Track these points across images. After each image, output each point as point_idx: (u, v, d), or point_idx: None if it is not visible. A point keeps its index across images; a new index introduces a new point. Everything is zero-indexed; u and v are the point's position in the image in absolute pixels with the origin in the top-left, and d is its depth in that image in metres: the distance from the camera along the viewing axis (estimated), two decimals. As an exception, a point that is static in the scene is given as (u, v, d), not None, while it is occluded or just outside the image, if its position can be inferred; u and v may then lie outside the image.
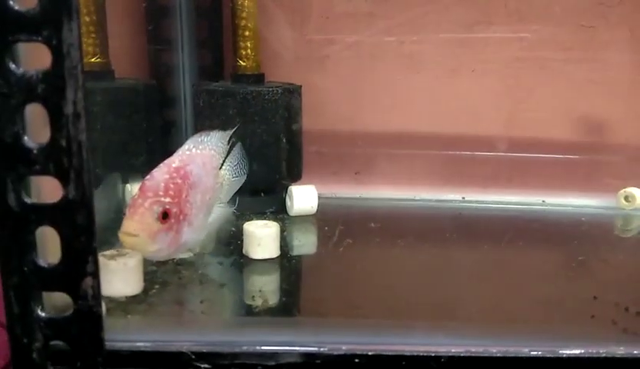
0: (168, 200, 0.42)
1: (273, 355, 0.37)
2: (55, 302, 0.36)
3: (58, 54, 0.31)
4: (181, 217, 0.42)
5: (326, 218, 0.68)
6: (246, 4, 0.67)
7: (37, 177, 0.33)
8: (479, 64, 0.79)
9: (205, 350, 0.37)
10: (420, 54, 0.79)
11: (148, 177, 0.43)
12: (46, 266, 0.35)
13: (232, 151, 0.55)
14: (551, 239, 0.66)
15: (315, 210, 0.68)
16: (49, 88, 0.31)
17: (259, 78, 0.70)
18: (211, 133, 0.50)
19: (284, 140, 0.69)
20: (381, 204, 0.78)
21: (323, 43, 0.80)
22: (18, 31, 0.31)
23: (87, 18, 0.62)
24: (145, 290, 0.44)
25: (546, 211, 0.76)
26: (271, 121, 0.66)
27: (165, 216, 0.41)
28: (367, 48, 0.79)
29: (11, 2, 0.30)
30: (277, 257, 0.53)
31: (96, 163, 0.63)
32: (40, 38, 0.31)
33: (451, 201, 0.79)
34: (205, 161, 0.47)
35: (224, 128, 0.64)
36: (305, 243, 0.61)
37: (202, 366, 0.37)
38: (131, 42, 0.74)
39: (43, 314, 0.35)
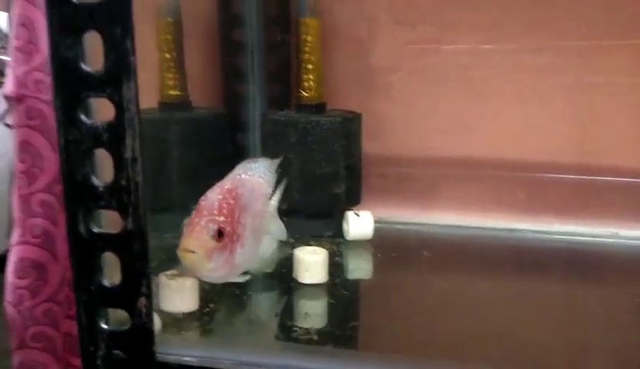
0: (222, 219, 0.44)
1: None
2: (117, 317, 0.41)
3: (119, 108, 0.36)
4: (235, 237, 0.45)
5: (382, 244, 0.69)
6: (309, 39, 0.70)
7: (102, 210, 0.38)
8: (548, 89, 0.76)
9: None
10: (486, 79, 0.78)
11: (203, 197, 0.46)
12: (109, 286, 0.40)
13: (282, 184, 0.57)
14: (624, 277, 0.62)
15: (371, 235, 0.70)
16: (112, 137, 0.36)
17: (321, 108, 0.73)
18: (259, 160, 0.53)
19: (342, 166, 0.71)
20: (442, 231, 0.77)
21: (388, 70, 0.81)
22: (88, 88, 0.36)
23: (167, 56, 0.69)
24: (200, 309, 0.48)
25: (619, 244, 0.72)
26: (330, 148, 0.69)
27: (220, 234, 0.43)
28: (431, 74, 0.79)
29: (82, 65, 0.36)
30: (325, 282, 0.55)
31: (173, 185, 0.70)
32: (105, 95, 0.36)
33: (515, 230, 0.77)
34: (254, 187, 0.50)
35: (287, 156, 0.69)
36: (355, 269, 0.62)
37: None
38: (208, 75, 0.80)
39: (106, 327, 0.40)
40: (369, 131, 0.82)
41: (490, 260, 0.67)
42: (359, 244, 0.69)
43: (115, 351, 0.41)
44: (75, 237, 0.39)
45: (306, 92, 0.72)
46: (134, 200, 0.37)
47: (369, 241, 0.70)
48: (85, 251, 0.39)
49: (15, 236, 0.59)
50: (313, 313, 0.51)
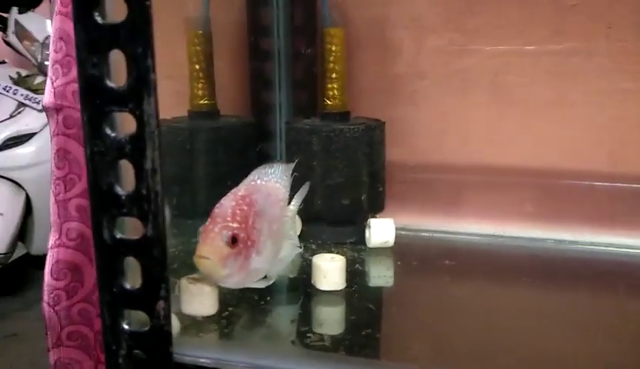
0: (235, 225, 0.45)
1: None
2: (138, 318, 0.43)
3: (141, 122, 0.38)
4: (249, 243, 0.45)
5: (403, 252, 0.69)
6: (333, 49, 0.71)
7: (125, 217, 0.41)
8: (579, 95, 0.74)
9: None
10: (514, 85, 0.77)
11: (217, 205, 0.47)
12: (130, 289, 0.42)
13: (302, 190, 0.58)
14: None
15: (393, 242, 0.70)
16: (134, 149, 0.39)
17: (345, 116, 0.74)
18: (275, 165, 0.53)
19: (365, 174, 0.72)
20: (466, 239, 0.77)
21: (414, 77, 0.81)
22: (112, 103, 0.38)
23: (197, 66, 0.72)
24: (219, 312, 0.50)
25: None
26: (353, 156, 0.70)
27: (234, 240, 0.44)
28: (458, 81, 0.79)
29: (107, 82, 0.38)
30: (342, 289, 0.56)
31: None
32: (127, 109, 0.38)
33: (541, 240, 0.75)
34: (269, 192, 0.50)
35: (309, 164, 0.70)
36: (374, 277, 0.63)
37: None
38: (238, 84, 0.82)
39: (127, 328, 0.43)
40: (395, 138, 0.82)
41: (514, 270, 0.66)
42: (380, 251, 0.69)
43: (136, 351, 0.43)
44: (100, 243, 0.41)
45: (330, 101, 0.73)
46: (153, 208, 0.39)
47: (391, 248, 0.70)
48: (109, 256, 0.41)
49: (52, 239, 0.62)
50: (328, 319, 0.52)
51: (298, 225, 0.73)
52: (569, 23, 0.73)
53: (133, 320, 0.43)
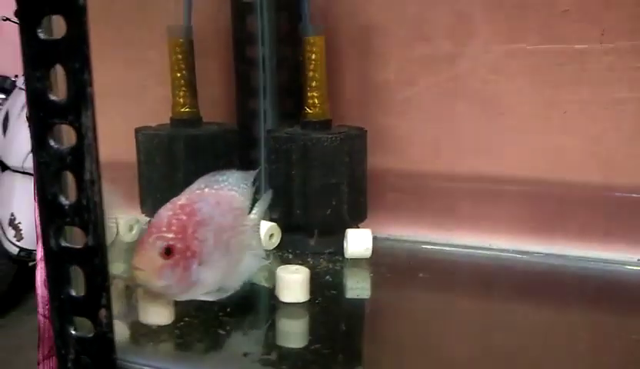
0: (171, 235, 0.45)
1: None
2: (85, 324, 0.45)
3: (80, 135, 0.40)
4: (188, 253, 0.46)
5: (381, 263, 0.70)
6: (313, 57, 0.72)
7: (70, 227, 0.43)
8: (571, 105, 0.73)
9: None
10: (505, 94, 0.76)
11: (155, 215, 0.47)
12: (75, 296, 0.44)
13: (263, 198, 0.58)
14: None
15: (370, 253, 0.70)
16: (74, 160, 0.41)
17: (325, 125, 0.74)
18: (229, 173, 0.53)
19: (345, 183, 0.72)
20: (452, 251, 0.76)
21: (404, 85, 0.81)
22: (55, 116, 0.40)
23: (178, 74, 0.74)
24: (175, 322, 0.52)
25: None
26: (331, 165, 0.70)
27: (168, 251, 0.45)
28: (449, 89, 0.78)
29: (50, 95, 0.40)
30: (305, 301, 0.57)
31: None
32: (67, 122, 0.40)
33: (531, 253, 0.74)
34: (219, 201, 0.50)
35: (288, 173, 0.71)
36: (342, 289, 0.63)
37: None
38: (224, 92, 0.84)
39: (74, 333, 0.45)
40: (385, 146, 0.83)
41: (489, 285, 0.66)
42: (357, 262, 0.70)
43: (83, 356, 0.45)
44: (48, 251, 0.43)
45: (310, 109, 0.74)
46: (93, 218, 0.41)
47: (368, 259, 0.70)
48: (55, 263, 0.44)
49: (41, 251, 0.65)
50: (282, 332, 0.52)
51: (277, 235, 0.74)
52: (561, 29, 0.72)
53: (80, 326, 0.45)
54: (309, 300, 0.57)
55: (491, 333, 0.53)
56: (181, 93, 0.74)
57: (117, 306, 0.53)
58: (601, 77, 0.71)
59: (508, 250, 0.75)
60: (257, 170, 0.57)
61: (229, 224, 0.51)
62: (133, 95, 0.92)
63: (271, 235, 0.74)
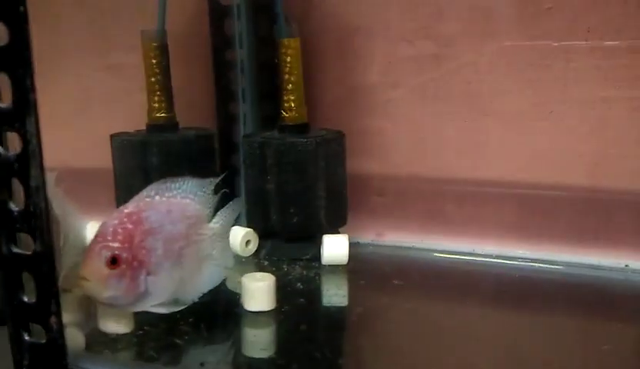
0: (116, 245, 0.45)
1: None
2: (37, 331, 0.47)
3: (25, 141, 0.42)
4: (135, 263, 0.46)
5: (357, 270, 0.70)
6: (288, 60, 0.73)
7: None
8: (557, 105, 0.73)
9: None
10: (490, 94, 0.76)
11: (102, 224, 0.48)
12: (27, 302, 0.45)
13: (230, 206, 0.58)
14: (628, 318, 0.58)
15: (346, 260, 0.71)
16: (20, 167, 0.42)
17: (302, 128, 0.75)
18: (182, 180, 0.52)
19: (322, 188, 0.73)
20: (436, 257, 0.76)
21: (387, 87, 0.82)
22: (2, 123, 0.42)
23: (152, 79, 0.75)
24: (134, 331, 0.52)
25: (628, 278, 0.67)
26: (305, 170, 0.71)
27: (114, 261, 0.45)
28: (432, 90, 0.79)
29: (-4, 102, 0.42)
30: (271, 310, 0.57)
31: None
32: (14, 128, 0.42)
33: (516, 258, 0.74)
34: (170, 209, 0.50)
35: (263, 178, 0.72)
36: (312, 297, 0.63)
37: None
38: (203, 96, 0.86)
39: (28, 339, 0.46)
40: (369, 149, 0.84)
41: (472, 290, 0.65)
42: (333, 269, 0.70)
43: (36, 362, 0.47)
44: (1, 257, 0.45)
45: (287, 113, 0.75)
46: (40, 224, 0.43)
47: (345, 266, 0.71)
48: (8, 269, 0.45)
49: None
50: (241, 341, 0.53)
51: (254, 241, 0.75)
52: (545, 27, 0.72)
53: (35, 333, 0.46)
54: (275, 309, 0.58)
55: (459, 343, 0.53)
56: (156, 98, 0.76)
57: (76, 314, 0.55)
58: (588, 76, 0.71)
59: (492, 256, 0.75)
60: (219, 177, 0.57)
61: (181, 233, 0.51)
62: (117, 101, 0.94)
63: (248, 241, 0.75)
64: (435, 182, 0.81)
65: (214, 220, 0.57)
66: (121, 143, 0.75)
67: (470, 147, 0.78)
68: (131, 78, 0.88)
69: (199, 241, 0.53)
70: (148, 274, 0.48)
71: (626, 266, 0.69)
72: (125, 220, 0.48)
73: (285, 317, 0.57)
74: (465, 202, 0.80)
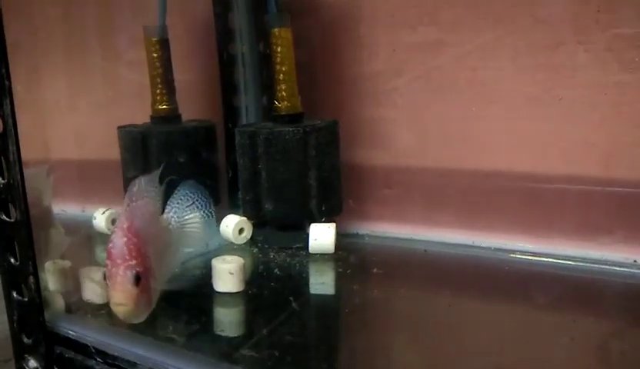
0: (134, 262, 0.52)
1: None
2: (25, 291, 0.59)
3: (3, 122, 0.54)
4: (148, 273, 0.53)
5: (343, 259, 0.77)
6: (279, 50, 0.83)
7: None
8: (567, 90, 0.75)
9: (100, 349, 0.56)
10: (496, 82, 0.80)
11: (110, 244, 0.53)
12: (14, 263, 0.58)
13: (176, 192, 0.67)
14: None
15: (333, 248, 0.79)
16: (1, 144, 0.55)
17: (296, 118, 0.84)
18: (137, 180, 0.60)
19: (313, 177, 0.81)
20: (430, 248, 0.81)
21: (391, 75, 0.87)
22: (-14, 107, 0.55)
23: (154, 73, 0.88)
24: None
25: (636, 275, 0.69)
26: (295, 159, 0.80)
27: (138, 279, 0.52)
28: (437, 78, 0.84)
29: (-17, 90, 0.55)
30: (238, 292, 0.66)
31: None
32: (-4, 112, 0.55)
33: (519, 251, 0.77)
34: (142, 212, 0.57)
35: (254, 168, 0.82)
36: (285, 282, 0.71)
37: (97, 358, 0.55)
38: (207, 88, 0.98)
39: (16, 297, 0.59)
40: (373, 139, 0.90)
41: (462, 283, 0.70)
42: (318, 257, 0.78)
43: (21, 318, 0.59)
44: (-9, 224, 0.58)
45: (279, 103, 0.84)
46: (17, 195, 0.55)
47: (332, 255, 0.79)
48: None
49: None
50: (202, 319, 0.62)
51: (248, 230, 0.85)
52: (552, 10, 0.74)
53: (23, 292, 0.59)
54: (242, 291, 0.67)
55: (443, 334, 0.58)
56: (158, 90, 0.88)
57: (64, 282, 0.68)
58: (599, 59, 0.72)
59: (494, 249, 0.79)
60: (159, 169, 0.65)
61: (156, 232, 0.60)
62: (138, 95, 1.08)
63: (241, 230, 0.85)
64: (440, 172, 0.86)
65: (166, 210, 0.66)
66: (125, 134, 0.88)
67: (476, 137, 0.82)
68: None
69: (161, 234, 0.62)
70: (153, 279, 0.56)
71: (634, 261, 0.71)
72: (130, 235, 0.54)
73: (249, 299, 0.66)
74: (470, 193, 0.84)
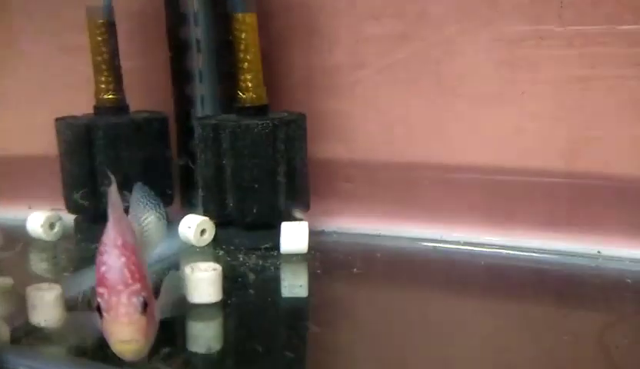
0: (138, 286, 0.41)
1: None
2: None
3: None
4: (152, 298, 0.43)
5: (317, 258, 0.70)
6: (243, 36, 0.73)
7: None
8: (530, 85, 0.73)
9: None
10: (459, 76, 0.76)
11: (102, 267, 0.41)
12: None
13: (132, 197, 0.55)
14: (597, 306, 0.59)
15: (306, 248, 0.71)
16: None
17: (262, 110, 0.75)
18: (112, 185, 0.48)
19: (281, 173, 0.73)
20: (399, 244, 0.77)
21: (353, 68, 0.81)
22: None
23: (99, 58, 0.75)
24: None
25: (599, 265, 0.68)
26: (263, 153, 0.71)
27: (144, 305, 0.41)
28: (400, 71, 0.79)
29: None
30: (216, 302, 0.57)
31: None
32: None
33: (486, 245, 0.74)
34: (127, 224, 0.47)
35: (218, 164, 0.72)
36: (263, 289, 0.63)
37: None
38: (157, 77, 0.85)
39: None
40: (334, 133, 0.84)
41: (435, 277, 0.66)
42: (291, 258, 0.70)
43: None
44: None
45: (244, 94, 0.75)
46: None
47: (305, 255, 0.71)
48: None
49: None
50: (180, 336, 0.53)
51: (210, 231, 0.75)
52: (516, 4, 0.72)
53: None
54: (220, 301, 0.57)
55: (421, 331, 0.53)
56: (103, 78, 0.76)
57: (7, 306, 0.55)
58: (561, 54, 0.71)
59: (460, 243, 0.75)
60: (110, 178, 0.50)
61: (138, 245, 0.48)
62: (75, 84, 0.93)
63: (203, 231, 0.75)
64: (403, 167, 0.81)
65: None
66: (65, 127, 0.74)
67: (439, 131, 0.79)
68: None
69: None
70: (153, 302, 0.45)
71: (598, 252, 0.70)
72: (127, 253, 0.43)
73: (231, 311, 0.57)
74: (434, 187, 0.80)
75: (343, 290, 0.61)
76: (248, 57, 0.73)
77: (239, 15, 0.73)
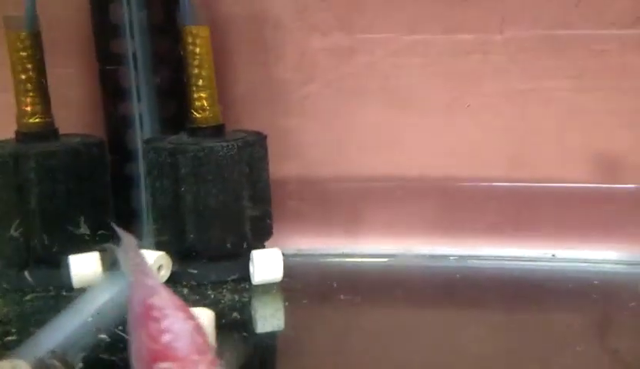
0: (212, 356, 0.33)
1: None
2: None
3: None
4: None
5: (294, 287, 0.63)
6: (197, 51, 0.63)
7: None
8: (475, 98, 0.73)
9: None
10: (408, 89, 0.74)
11: (166, 336, 0.33)
12: None
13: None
14: (562, 306, 0.59)
15: (281, 276, 0.63)
16: None
17: (218, 130, 0.66)
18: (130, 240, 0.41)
19: (246, 197, 0.64)
20: (366, 263, 0.72)
21: (301, 83, 0.76)
22: None
23: (23, 76, 0.61)
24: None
25: (555, 267, 0.69)
26: (229, 178, 0.63)
27: None
28: (349, 85, 0.75)
29: None
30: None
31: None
32: None
33: (445, 256, 0.72)
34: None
35: (176, 191, 0.61)
36: (255, 328, 0.55)
37: None
38: (84, 95, 0.72)
39: None
40: (283, 150, 0.77)
41: (401, 292, 0.62)
42: (266, 288, 0.62)
43: None
44: None
45: (199, 113, 0.65)
46: None
47: (280, 283, 0.63)
48: None
49: None
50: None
51: (167, 266, 0.64)
52: (461, 18, 0.71)
53: None
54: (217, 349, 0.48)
55: (397, 347, 0.50)
56: (28, 100, 0.61)
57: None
58: (503, 68, 0.71)
59: (422, 256, 0.73)
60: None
61: None
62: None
63: (160, 267, 0.63)
64: (356, 181, 0.77)
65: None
66: (-16, 158, 0.58)
67: (389, 144, 0.76)
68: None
69: None
70: None
71: (553, 256, 0.71)
72: (190, 316, 0.35)
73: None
74: (388, 201, 0.77)
75: (340, 320, 0.55)
76: (203, 73, 0.64)
77: (192, 28, 0.63)
